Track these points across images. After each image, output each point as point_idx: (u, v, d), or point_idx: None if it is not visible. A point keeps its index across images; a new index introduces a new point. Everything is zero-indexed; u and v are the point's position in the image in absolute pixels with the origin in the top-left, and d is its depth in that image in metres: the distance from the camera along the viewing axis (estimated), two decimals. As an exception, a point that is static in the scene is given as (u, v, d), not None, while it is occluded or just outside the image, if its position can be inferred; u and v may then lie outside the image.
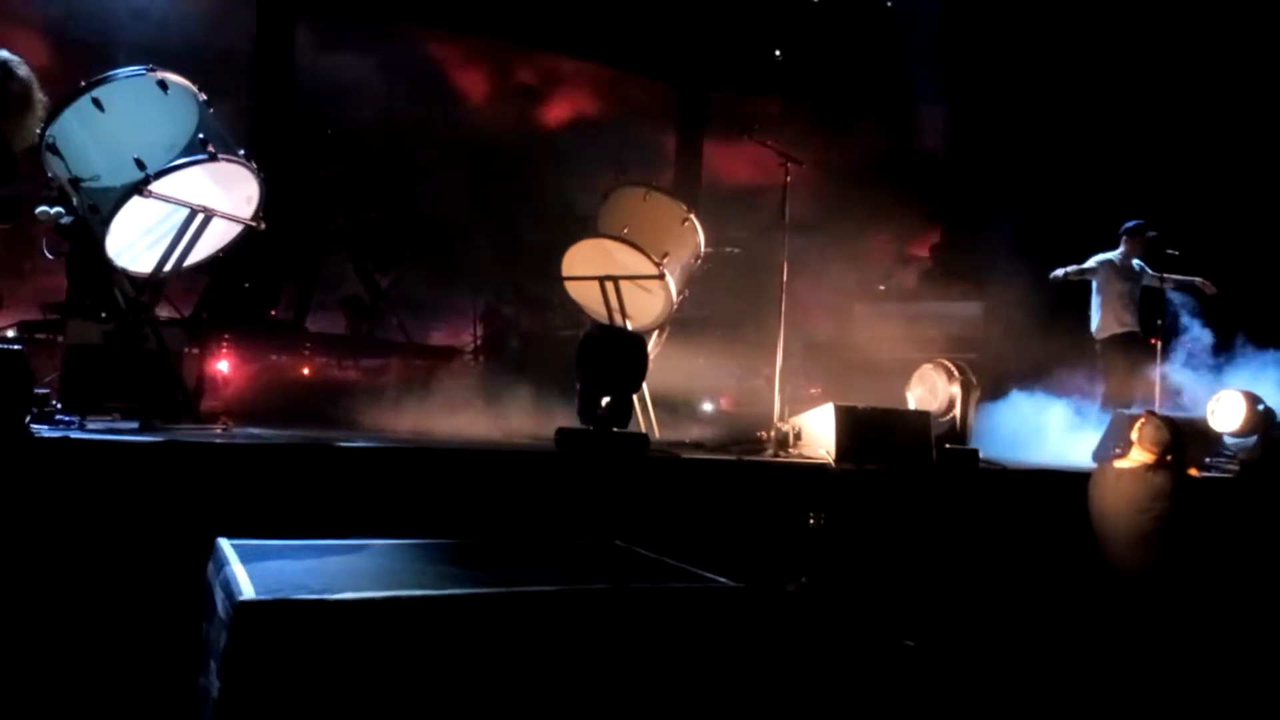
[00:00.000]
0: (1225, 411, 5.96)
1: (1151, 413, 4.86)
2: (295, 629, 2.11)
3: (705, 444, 5.13)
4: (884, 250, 11.56)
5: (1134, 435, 4.75)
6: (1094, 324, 7.71)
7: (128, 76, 4.07)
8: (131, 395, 4.01)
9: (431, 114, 10.90)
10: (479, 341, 9.06)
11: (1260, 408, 5.86)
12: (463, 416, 5.19)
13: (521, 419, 5.26)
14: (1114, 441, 6.03)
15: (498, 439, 4.86)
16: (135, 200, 3.96)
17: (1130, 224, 7.70)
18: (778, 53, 11.96)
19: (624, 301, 5.58)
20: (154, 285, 4.28)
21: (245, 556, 2.47)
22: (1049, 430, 6.69)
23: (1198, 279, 7.46)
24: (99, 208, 3.97)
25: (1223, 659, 4.25)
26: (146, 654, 3.00)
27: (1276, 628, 4.62)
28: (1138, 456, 4.68)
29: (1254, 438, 5.88)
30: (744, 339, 8.42)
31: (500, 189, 11.15)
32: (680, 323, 6.10)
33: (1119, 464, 4.77)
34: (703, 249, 5.80)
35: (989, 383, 6.54)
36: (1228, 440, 6.04)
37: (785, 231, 5.57)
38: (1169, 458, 4.60)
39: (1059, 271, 7.54)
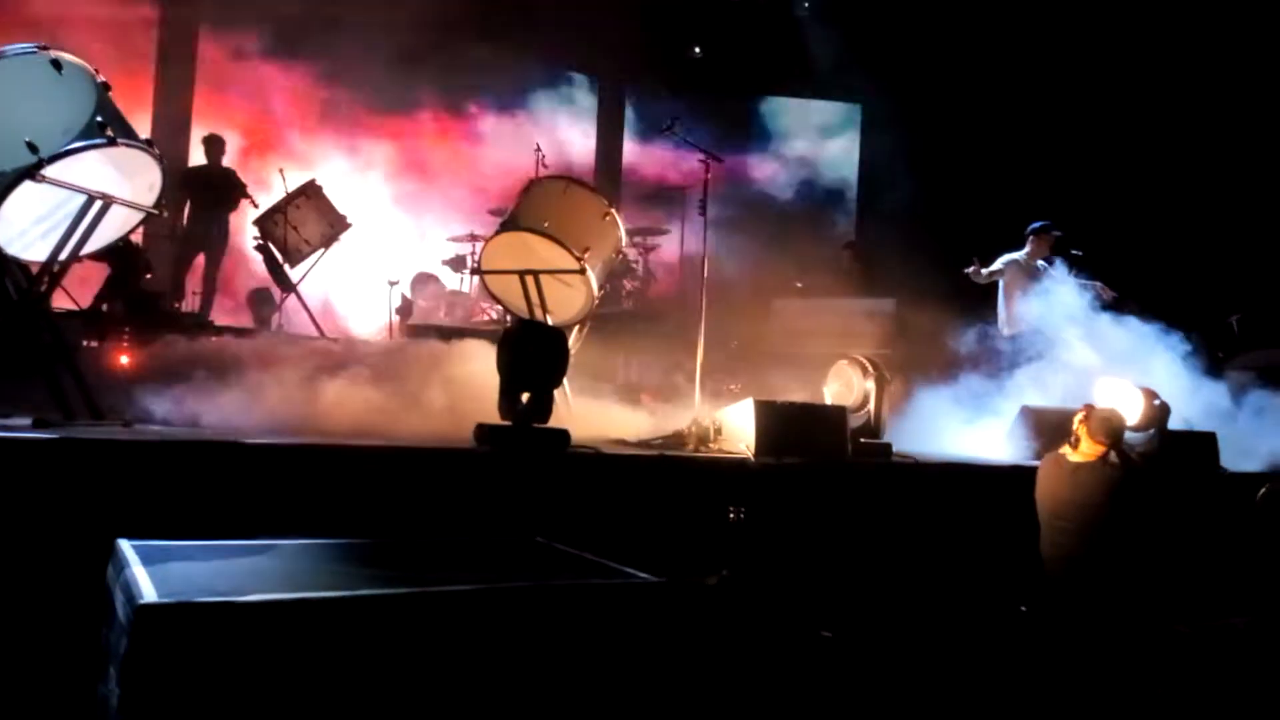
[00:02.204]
0: (1123, 406, 6.19)
1: (1091, 405, 4.92)
2: (199, 633, 2.02)
3: (626, 439, 5.12)
4: (800, 247, 11.71)
5: (1080, 428, 4.80)
6: (1001, 320, 7.97)
7: (17, 54, 3.86)
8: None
9: (346, 99, 10.71)
10: (394, 334, 8.90)
11: (1156, 402, 6.10)
12: (378, 411, 5.07)
13: (439, 414, 5.17)
14: (1025, 435, 6.22)
15: (414, 434, 4.76)
16: (27, 185, 3.75)
17: (1036, 224, 7.98)
18: (697, 50, 12.04)
19: (544, 296, 5.53)
20: (49, 275, 4.07)
21: (146, 558, 2.36)
22: (959, 424, 6.86)
23: (1098, 283, 7.75)
24: (-14, 193, 3.76)
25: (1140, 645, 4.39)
26: (44, 661, 2.85)
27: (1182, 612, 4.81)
28: (1088, 449, 4.76)
29: (1151, 431, 6.11)
30: (665, 334, 8.46)
31: (419, 180, 11.00)
32: (601, 318, 6.09)
33: (1071, 457, 4.84)
34: (624, 244, 5.79)
35: (902, 377, 6.69)
36: (1126, 434, 6.27)
37: (705, 228, 5.60)
38: (1119, 447, 4.71)
39: (977, 269, 7.77)
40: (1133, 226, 9.22)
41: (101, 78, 4.04)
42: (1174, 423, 6.22)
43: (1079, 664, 4.13)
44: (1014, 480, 5.14)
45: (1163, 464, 5.92)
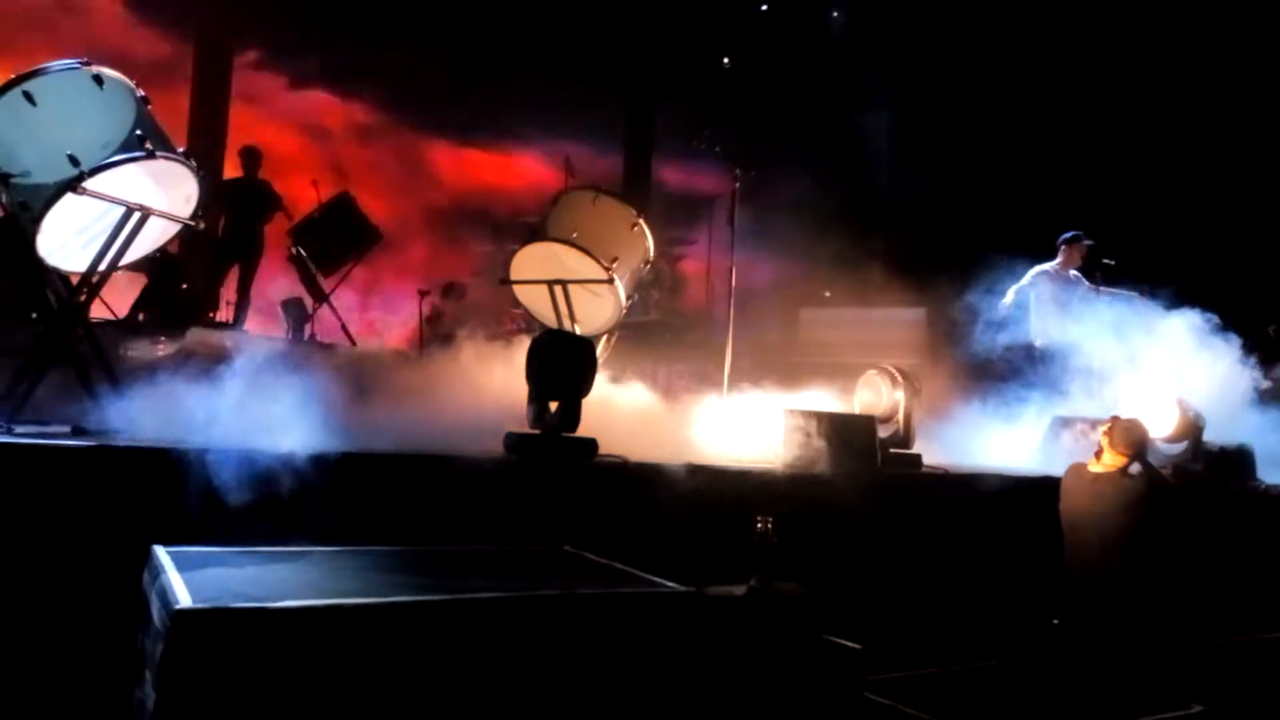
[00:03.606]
0: (1156, 417, 6.10)
1: (1117, 416, 4.89)
2: (234, 638, 2.05)
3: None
4: (829, 256, 11.69)
5: (1103, 438, 4.78)
6: (1033, 331, 7.91)
7: (61, 70, 3.94)
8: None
9: (378, 116, 10.85)
10: (424, 343, 8.98)
11: (1191, 414, 6.01)
12: (407, 420, 5.11)
13: (467, 423, 5.20)
14: (1057, 445, 6.16)
15: (443, 443, 4.79)
16: (69, 198, 3.83)
17: (1068, 234, 7.92)
18: (726, 60, 12.05)
19: (573, 306, 5.56)
20: (88, 285, 4.15)
21: (182, 564, 2.40)
22: (991, 434, 6.81)
23: (1134, 294, 7.67)
24: (30, 205, 3.84)
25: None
26: (80, 666, 2.90)
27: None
28: (1110, 460, 4.72)
29: (1184, 444, 6.03)
30: (693, 343, 8.47)
31: (450, 192, 11.10)
32: (630, 327, 6.09)
33: (1092, 467, 4.81)
34: (652, 254, 5.81)
35: (932, 387, 6.65)
36: (1159, 446, 6.19)
37: (734, 237, 5.61)
38: (1142, 459, 4.67)
39: (1005, 301, 7.78)
40: (1167, 235, 9.11)
41: (141, 92, 4.12)
42: (1211, 434, 6.13)
43: (1110, 678, 4.07)
44: (1046, 491, 5.09)
45: (1195, 476, 5.84)
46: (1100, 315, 7.40)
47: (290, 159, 10.31)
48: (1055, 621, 4.65)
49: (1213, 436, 6.23)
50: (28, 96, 3.82)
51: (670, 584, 2.71)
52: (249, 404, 4.64)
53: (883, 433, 5.33)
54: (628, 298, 5.60)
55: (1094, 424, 5.12)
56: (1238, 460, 6.31)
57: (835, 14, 11.42)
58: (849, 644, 3.35)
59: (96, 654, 2.84)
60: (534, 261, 5.63)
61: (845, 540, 4.54)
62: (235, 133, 10.18)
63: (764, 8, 11.52)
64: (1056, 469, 5.44)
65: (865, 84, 11.25)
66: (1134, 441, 4.69)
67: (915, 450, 5.47)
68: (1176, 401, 6.04)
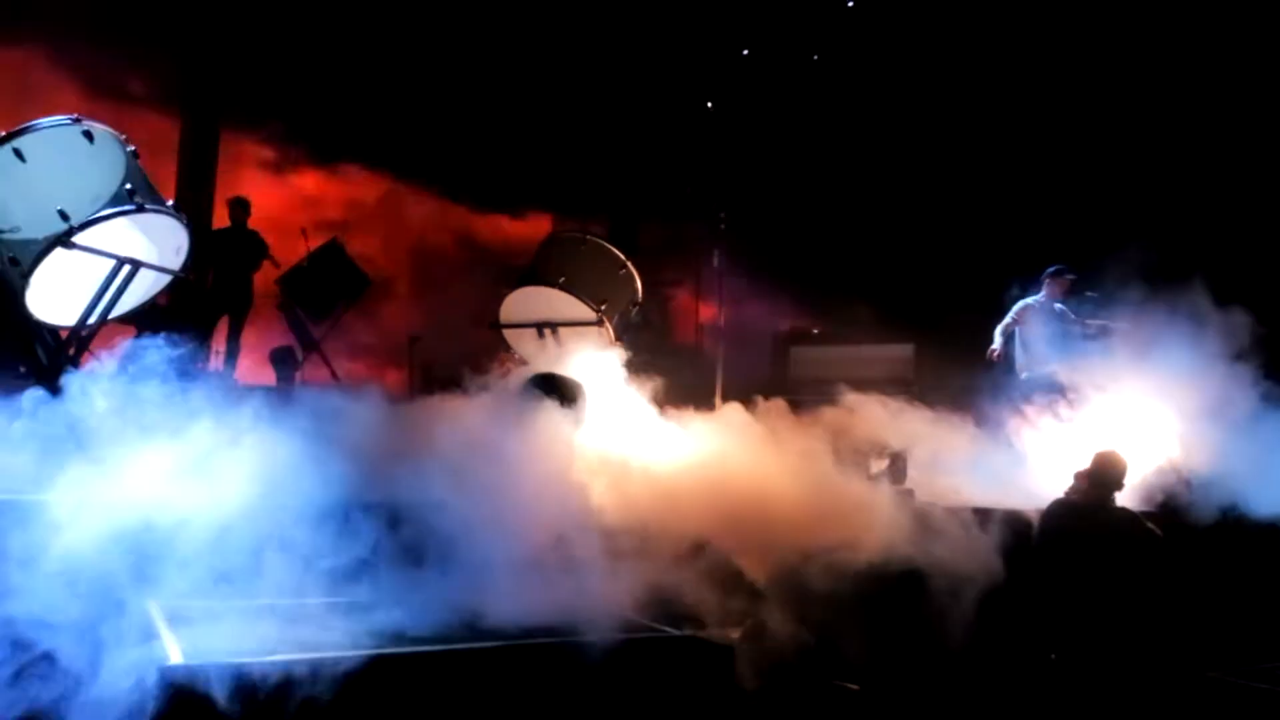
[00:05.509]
0: (1143, 449, 6.12)
1: (1099, 452, 4.95)
2: (224, 694, 2.04)
3: None
4: (817, 292, 11.73)
5: (1083, 472, 4.83)
6: (1018, 364, 7.96)
7: (51, 126, 3.98)
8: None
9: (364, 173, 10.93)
10: (416, 388, 8.97)
11: (1179, 446, 6.04)
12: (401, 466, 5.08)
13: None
14: (1043, 478, 6.17)
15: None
16: (59, 252, 3.85)
17: (1052, 268, 7.99)
18: (709, 104, 12.19)
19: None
20: (78, 339, 4.15)
21: (173, 620, 2.39)
22: (979, 468, 6.80)
23: (1119, 324, 7.71)
24: (20, 260, 3.86)
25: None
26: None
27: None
28: (1088, 493, 4.76)
29: (1173, 474, 6.04)
30: (682, 384, 8.46)
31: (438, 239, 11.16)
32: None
33: (1072, 501, 4.85)
34: (640, 296, 5.85)
35: (921, 421, 6.64)
36: (1147, 478, 6.18)
37: (721, 279, 5.66)
38: (1116, 492, 4.73)
39: (995, 345, 7.85)
40: (1152, 265, 9.16)
41: (131, 146, 4.15)
42: (1196, 461, 6.14)
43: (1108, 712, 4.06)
44: (1033, 524, 5.09)
45: (1182, 508, 5.86)
46: (1090, 347, 7.45)
47: (281, 212, 10.35)
48: (1052, 656, 4.63)
49: (1207, 461, 6.24)
50: (17, 153, 3.86)
51: (665, 628, 2.70)
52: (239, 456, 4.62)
53: (874, 469, 5.34)
54: (616, 339, 5.63)
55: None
56: (1226, 492, 6.31)
57: (815, 57, 11.58)
58: (848, 685, 3.34)
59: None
60: (524, 304, 5.65)
61: (840, 578, 4.51)
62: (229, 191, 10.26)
63: (745, 53, 11.68)
64: (1041, 502, 5.47)
65: (848, 123, 11.38)
66: (1107, 475, 4.75)
67: (907, 486, 5.47)
68: (1166, 434, 6.08)
